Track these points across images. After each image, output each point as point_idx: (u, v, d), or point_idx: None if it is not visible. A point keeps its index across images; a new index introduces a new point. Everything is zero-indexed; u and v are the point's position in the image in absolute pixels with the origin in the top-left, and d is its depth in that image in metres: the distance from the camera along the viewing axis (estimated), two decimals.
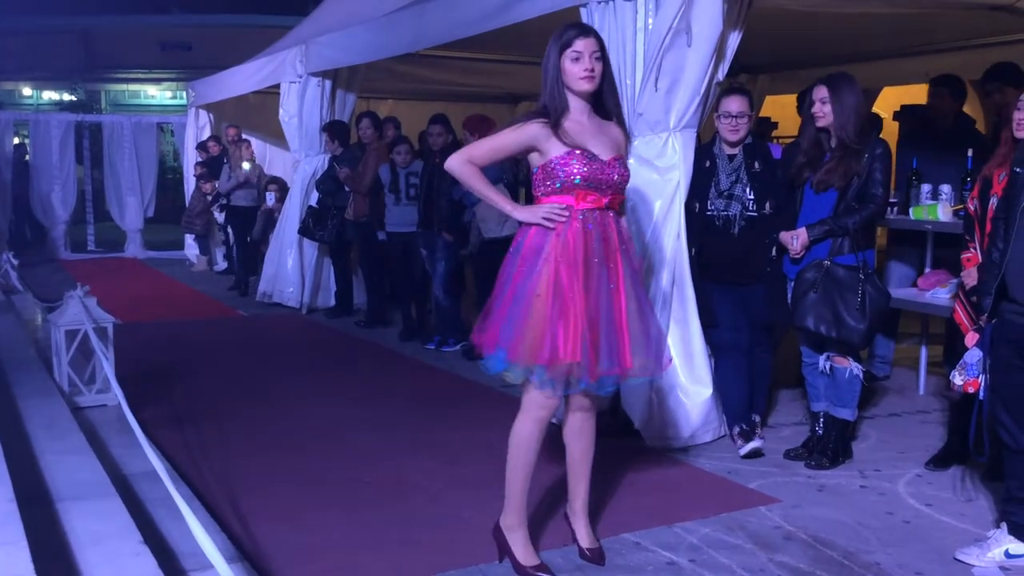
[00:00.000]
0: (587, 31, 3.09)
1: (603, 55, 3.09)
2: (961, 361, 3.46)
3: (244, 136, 10.69)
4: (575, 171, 3.04)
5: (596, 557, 3.31)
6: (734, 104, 4.41)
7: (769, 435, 4.80)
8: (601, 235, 3.09)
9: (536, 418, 3.17)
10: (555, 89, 3.08)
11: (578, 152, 3.05)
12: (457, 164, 3.17)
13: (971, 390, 3.41)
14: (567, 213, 3.06)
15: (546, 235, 3.07)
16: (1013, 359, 3.21)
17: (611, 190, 3.13)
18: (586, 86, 3.07)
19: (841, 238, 4.20)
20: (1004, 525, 3.35)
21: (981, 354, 3.37)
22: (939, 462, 4.32)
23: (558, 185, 3.06)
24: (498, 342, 3.03)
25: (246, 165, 10.03)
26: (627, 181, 3.20)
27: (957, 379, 3.46)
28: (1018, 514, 3.31)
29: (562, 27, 3.13)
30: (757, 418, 4.71)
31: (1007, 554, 3.29)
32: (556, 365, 2.99)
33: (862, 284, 4.13)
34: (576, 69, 3.04)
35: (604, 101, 3.17)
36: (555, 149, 3.06)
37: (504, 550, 3.26)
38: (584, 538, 3.37)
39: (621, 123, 3.24)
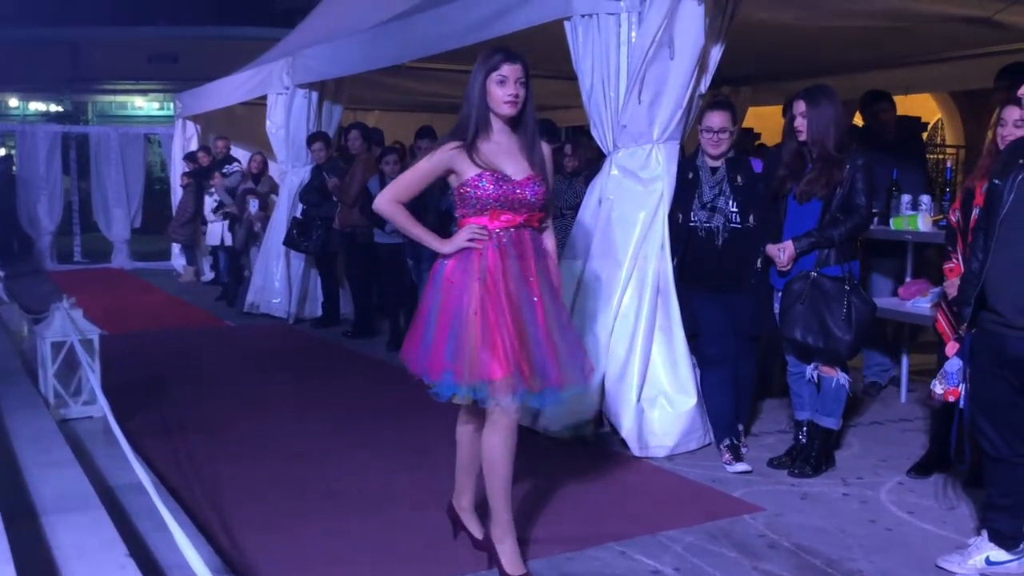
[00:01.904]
0: (514, 57, 3.17)
1: (527, 81, 3.18)
2: (942, 370, 3.50)
3: (259, 151, 10.56)
4: (484, 192, 3.15)
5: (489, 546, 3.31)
6: (716, 119, 4.46)
7: (753, 443, 4.84)
8: (517, 253, 3.18)
9: (501, 428, 3.18)
10: (479, 108, 3.17)
11: (487, 174, 3.15)
12: (384, 204, 3.31)
13: (952, 399, 3.45)
14: (485, 234, 3.16)
15: (467, 259, 3.16)
16: (992, 368, 3.24)
17: (525, 208, 3.21)
18: (508, 111, 3.16)
19: (827, 249, 4.24)
20: (985, 532, 3.38)
21: (961, 363, 3.41)
22: (921, 470, 4.36)
23: (471, 206, 3.18)
24: (444, 366, 3.11)
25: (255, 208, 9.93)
26: (543, 198, 3.27)
27: (937, 388, 3.50)
28: (999, 521, 3.34)
29: (490, 50, 3.22)
30: (740, 427, 4.75)
31: (988, 561, 3.33)
32: (495, 381, 3.07)
33: (847, 295, 4.17)
34: (501, 93, 3.14)
35: (526, 124, 3.25)
36: (468, 171, 3.16)
37: (493, 560, 3.27)
38: (478, 531, 3.44)
39: (537, 144, 3.28)
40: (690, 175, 4.59)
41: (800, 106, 4.23)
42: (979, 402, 3.32)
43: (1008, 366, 3.18)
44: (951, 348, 3.54)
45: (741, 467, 4.43)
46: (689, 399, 4.68)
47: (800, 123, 4.23)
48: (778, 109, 6.70)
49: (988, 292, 3.20)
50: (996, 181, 3.22)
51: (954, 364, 3.45)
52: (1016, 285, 3.11)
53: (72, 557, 2.97)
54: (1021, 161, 3.14)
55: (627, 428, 4.62)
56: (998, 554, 3.33)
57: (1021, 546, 3.35)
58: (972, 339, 3.33)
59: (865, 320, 4.19)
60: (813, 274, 4.22)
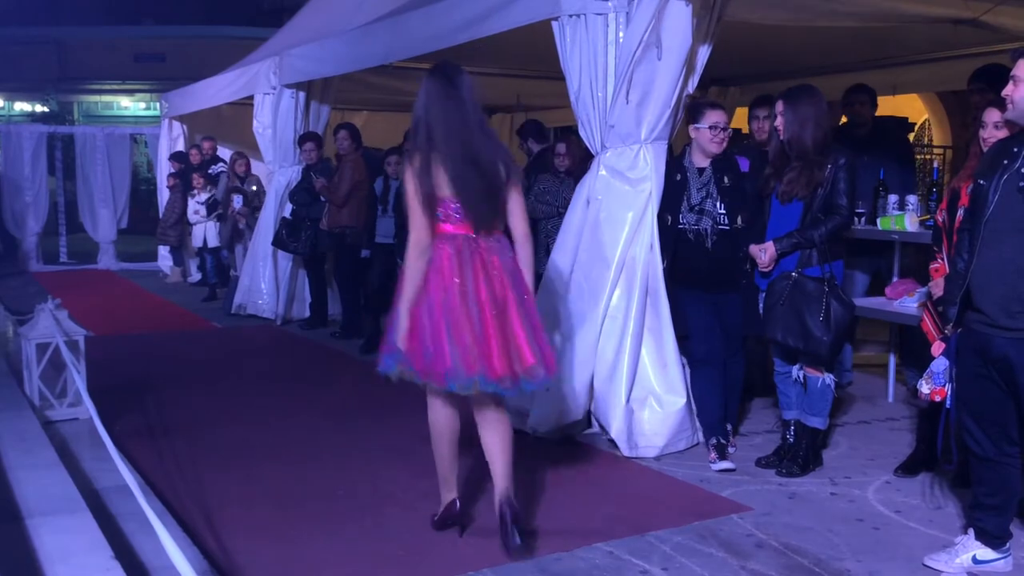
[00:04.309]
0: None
1: None
2: (928, 370, 3.52)
3: (239, 152, 10.51)
4: None
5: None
6: (717, 116, 4.48)
7: (741, 443, 4.85)
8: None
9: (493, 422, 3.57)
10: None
11: None
12: None
13: (938, 398, 3.47)
14: None
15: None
16: (978, 368, 3.26)
17: None
18: None
19: (809, 250, 4.25)
20: (971, 531, 3.40)
21: (947, 363, 3.42)
22: (908, 469, 4.38)
23: None
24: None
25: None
26: None
27: (924, 387, 3.51)
28: (985, 520, 3.36)
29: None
30: (729, 426, 4.75)
31: (975, 559, 3.35)
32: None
33: (826, 297, 4.17)
34: None
35: None
36: None
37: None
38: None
39: None
40: (678, 177, 4.60)
41: (780, 105, 4.26)
42: (965, 401, 3.34)
43: (993, 365, 3.20)
44: (937, 348, 3.55)
45: (724, 465, 4.43)
46: (678, 399, 4.68)
47: (779, 122, 4.25)
48: None
49: (973, 292, 3.22)
50: (981, 182, 3.24)
51: (940, 364, 3.47)
52: (1000, 285, 3.13)
53: (57, 560, 2.95)
54: (1005, 162, 3.16)
55: (616, 428, 4.62)
56: (985, 553, 3.35)
57: (1007, 545, 3.37)
58: (958, 339, 3.35)
59: (844, 322, 4.20)
60: (795, 275, 4.23)
